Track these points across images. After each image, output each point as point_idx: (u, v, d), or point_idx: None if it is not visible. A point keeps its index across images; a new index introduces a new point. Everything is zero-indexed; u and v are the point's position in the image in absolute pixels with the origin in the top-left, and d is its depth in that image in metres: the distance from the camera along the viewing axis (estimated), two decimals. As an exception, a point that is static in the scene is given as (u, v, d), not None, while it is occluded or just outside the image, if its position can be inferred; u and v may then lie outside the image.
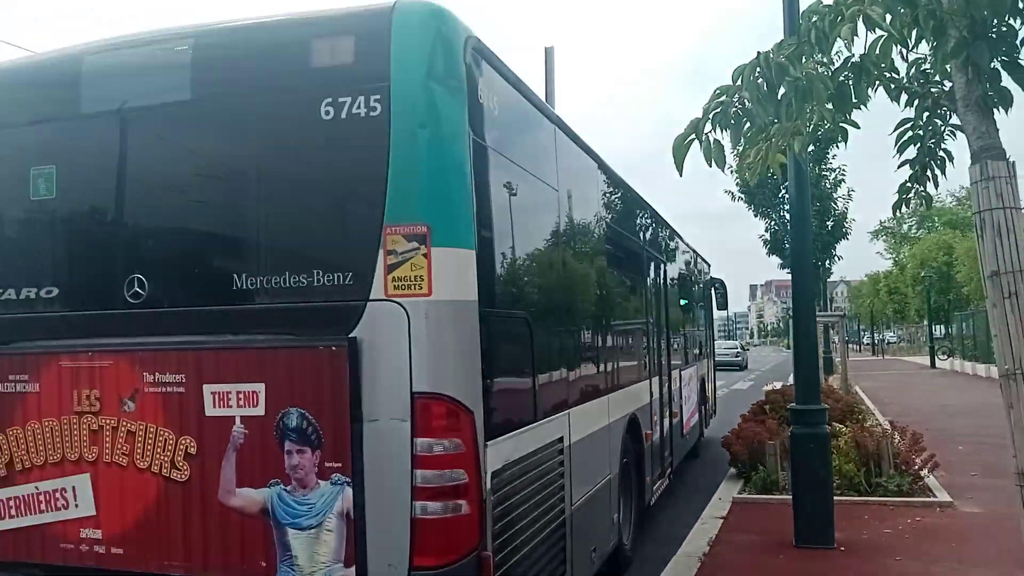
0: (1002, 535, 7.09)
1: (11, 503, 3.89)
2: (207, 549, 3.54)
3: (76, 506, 3.75)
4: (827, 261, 27.16)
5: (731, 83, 3.34)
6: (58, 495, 3.79)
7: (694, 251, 12.53)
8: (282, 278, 3.44)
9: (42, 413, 3.85)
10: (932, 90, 3.76)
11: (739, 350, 46.28)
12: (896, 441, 9.63)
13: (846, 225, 25.83)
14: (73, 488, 3.76)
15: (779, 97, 3.31)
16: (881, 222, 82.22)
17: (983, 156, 3.37)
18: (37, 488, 3.84)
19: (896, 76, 3.70)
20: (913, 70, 3.78)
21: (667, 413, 8.62)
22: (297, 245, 3.49)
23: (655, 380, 7.95)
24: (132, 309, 3.67)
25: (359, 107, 3.31)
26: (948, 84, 3.65)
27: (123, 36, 3.92)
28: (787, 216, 22.92)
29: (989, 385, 25.95)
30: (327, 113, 3.35)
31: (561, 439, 4.58)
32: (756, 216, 25.32)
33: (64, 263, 3.87)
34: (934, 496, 8.68)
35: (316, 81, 3.42)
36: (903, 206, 4.11)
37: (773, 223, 25.09)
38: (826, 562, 6.50)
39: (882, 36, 3.27)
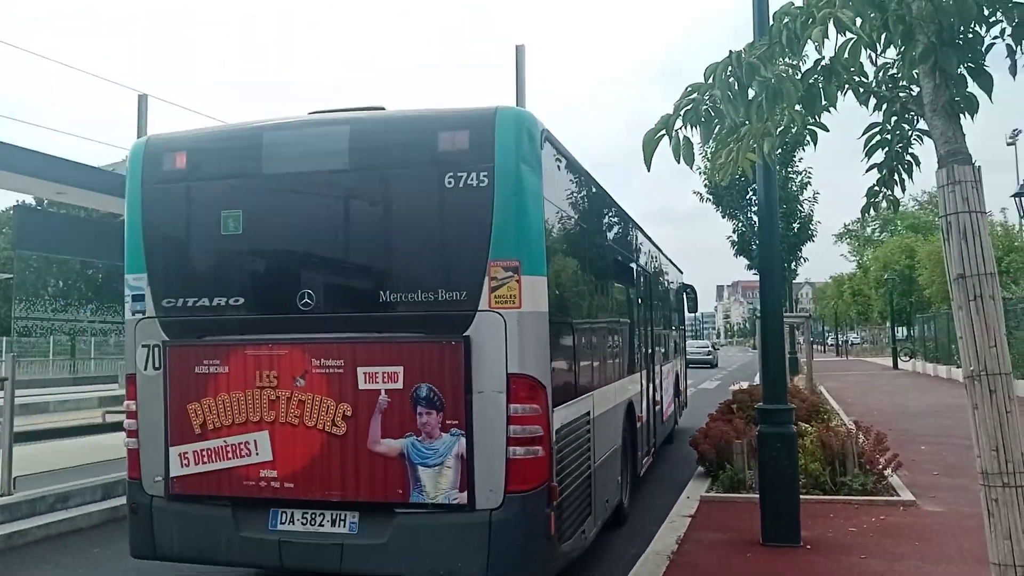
0: (963, 534, 7.22)
1: (204, 453, 5.17)
2: (358, 481, 4.89)
3: (257, 454, 5.06)
4: (793, 263, 27.38)
5: (703, 81, 3.35)
6: (242, 447, 5.09)
7: (672, 262, 14.40)
8: (415, 294, 4.81)
9: (230, 388, 5.15)
10: (900, 95, 3.80)
11: (710, 349, 51.09)
12: (860, 441, 9.76)
13: (812, 227, 26.06)
14: (255, 441, 5.06)
15: (750, 97, 3.33)
16: (846, 225, 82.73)
17: (950, 160, 3.42)
18: (226, 442, 5.14)
19: (865, 80, 3.74)
20: (882, 74, 3.82)
21: (652, 401, 10.36)
22: (426, 272, 4.83)
23: (644, 373, 9.68)
24: (303, 314, 5.03)
25: (472, 180, 4.68)
26: (916, 89, 3.69)
27: (295, 117, 5.30)
28: (755, 217, 23.12)
29: (951, 386, 26.41)
30: (449, 183, 4.72)
31: (589, 413, 6.03)
32: (724, 217, 25.47)
33: (248, 280, 5.19)
34: (897, 495, 8.82)
35: (441, 160, 4.78)
36: (872, 209, 4.14)
37: (740, 224, 25.26)
38: (792, 561, 6.57)
39: (852, 39, 3.29)
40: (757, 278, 7.70)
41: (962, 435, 13.44)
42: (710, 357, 46.63)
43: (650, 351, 10.39)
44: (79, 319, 11.35)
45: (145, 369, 5.41)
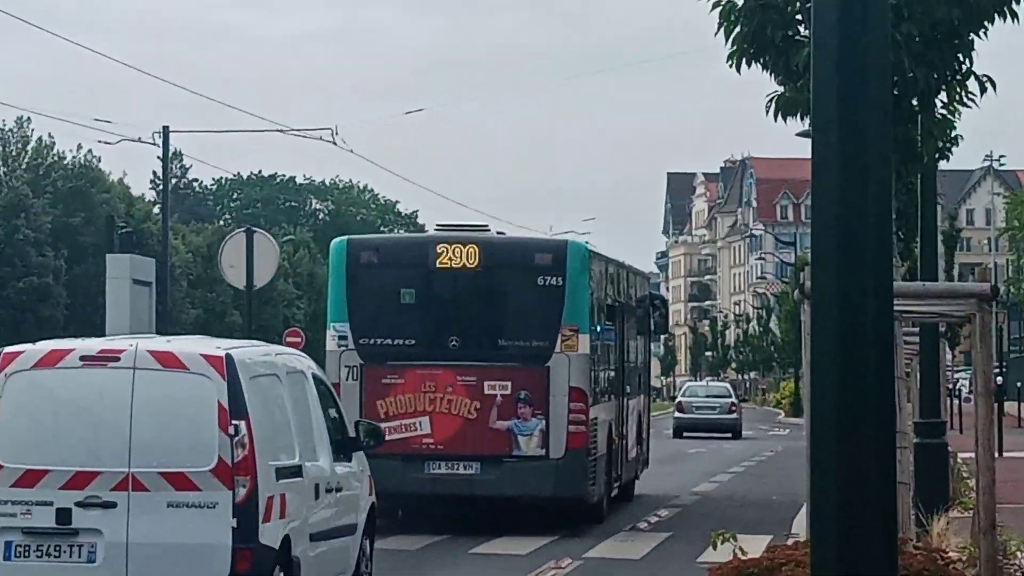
0: None
1: (390, 430, 34.82)
2: (482, 443, 38.62)
3: (421, 429, 38.75)
4: (936, 99, 22.26)
5: None
6: (412, 425, 38.82)
7: (646, 279, 47.90)
8: (518, 342, 39.88)
9: (404, 391, 39.32)
10: None
11: (732, 400, 62.10)
12: None
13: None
14: (420, 423, 38.75)
15: None
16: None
17: None
18: (401, 423, 38.59)
19: None
20: None
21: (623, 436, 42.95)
22: (525, 329, 40.08)
23: (622, 402, 44.90)
24: (451, 351, 39.95)
25: (552, 280, 40.11)
26: None
27: (450, 231, 42.33)
28: None
29: None
30: (541, 282, 40.50)
31: (600, 416, 42.30)
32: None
33: (418, 329, 40.65)
34: None
35: (535, 269, 41.14)
36: None
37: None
38: None
39: None
40: (806, 152, 5.25)
41: None
42: (732, 416, 59.70)
43: (625, 385, 43.01)
44: None
45: (347, 380, 34.81)
